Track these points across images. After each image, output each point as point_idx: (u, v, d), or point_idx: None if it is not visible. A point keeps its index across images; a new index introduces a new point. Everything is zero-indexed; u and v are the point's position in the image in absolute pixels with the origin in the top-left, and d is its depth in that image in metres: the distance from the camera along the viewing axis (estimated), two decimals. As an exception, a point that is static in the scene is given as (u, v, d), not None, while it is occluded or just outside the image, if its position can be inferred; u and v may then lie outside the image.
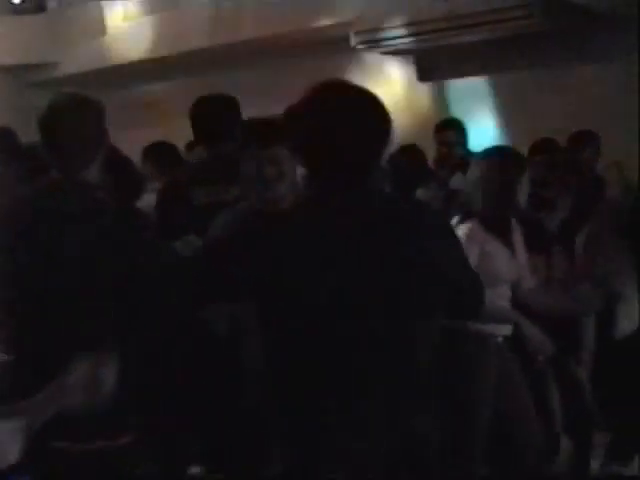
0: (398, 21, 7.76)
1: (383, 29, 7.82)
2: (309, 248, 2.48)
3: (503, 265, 3.97)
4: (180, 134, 5.53)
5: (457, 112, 8.08)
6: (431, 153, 6.43)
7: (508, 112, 8.02)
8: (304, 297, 2.48)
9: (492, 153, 4.19)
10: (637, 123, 6.81)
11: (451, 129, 6.44)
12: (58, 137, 2.96)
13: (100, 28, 10.78)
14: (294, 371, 2.54)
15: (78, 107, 3.00)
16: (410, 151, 5.82)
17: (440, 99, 8.56)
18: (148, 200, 4.50)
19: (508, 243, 4.03)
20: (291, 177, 3.38)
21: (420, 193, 5.17)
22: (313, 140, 2.52)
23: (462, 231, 3.86)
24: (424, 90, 8.65)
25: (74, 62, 10.57)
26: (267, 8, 8.50)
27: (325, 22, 8.14)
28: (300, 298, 2.48)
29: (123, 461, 2.90)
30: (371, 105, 2.55)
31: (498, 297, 3.93)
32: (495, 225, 3.97)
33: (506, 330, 3.98)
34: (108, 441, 2.88)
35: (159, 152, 5.72)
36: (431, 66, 8.52)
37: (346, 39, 8.09)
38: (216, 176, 4.20)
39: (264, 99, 8.83)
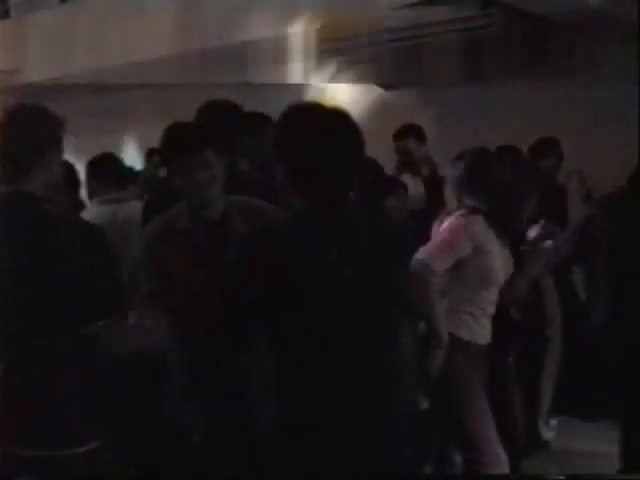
0: (362, 29, 7.80)
1: (347, 37, 7.86)
2: (304, 258, 2.55)
3: (500, 266, 4.04)
4: (145, 141, 5.56)
5: (422, 120, 8.16)
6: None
7: (471, 119, 8.08)
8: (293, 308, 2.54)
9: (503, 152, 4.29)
10: (592, 134, 6.91)
11: (409, 137, 6.45)
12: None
13: (64, 35, 10.73)
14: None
15: (19, 117, 3.00)
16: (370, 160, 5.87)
17: (405, 107, 8.62)
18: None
19: (505, 245, 4.10)
20: (221, 181, 3.40)
21: (389, 201, 5.20)
22: (297, 157, 2.61)
23: (465, 223, 3.97)
24: (389, 98, 8.72)
25: (37, 69, 10.53)
26: (231, 16, 8.51)
27: (289, 30, 8.16)
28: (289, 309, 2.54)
29: (91, 466, 2.92)
30: (346, 121, 2.66)
31: (487, 300, 4.03)
32: (499, 225, 4.04)
33: (484, 340, 4.06)
34: (75, 448, 2.91)
35: (103, 166, 5.63)
36: (395, 74, 8.57)
37: (311, 47, 8.13)
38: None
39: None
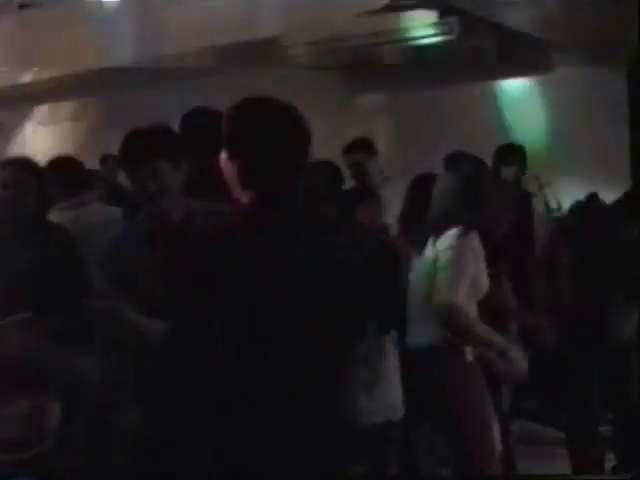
0: (322, 36, 7.82)
1: (307, 44, 7.87)
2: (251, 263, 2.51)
3: (486, 279, 4.06)
4: (104, 147, 5.53)
5: (381, 127, 8.20)
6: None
7: (429, 127, 8.12)
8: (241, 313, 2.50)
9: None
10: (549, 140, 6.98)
11: (359, 151, 6.44)
12: None
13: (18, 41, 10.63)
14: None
15: None
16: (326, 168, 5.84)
17: (364, 114, 8.65)
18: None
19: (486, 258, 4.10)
20: (176, 188, 3.38)
21: (360, 211, 5.20)
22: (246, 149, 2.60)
23: (470, 242, 3.95)
24: (348, 105, 8.73)
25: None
26: (191, 23, 8.49)
27: (250, 37, 8.16)
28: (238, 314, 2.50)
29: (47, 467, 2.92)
30: (294, 117, 2.63)
31: (471, 312, 4.03)
32: (486, 239, 4.04)
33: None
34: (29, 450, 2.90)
35: (63, 168, 5.59)
36: (355, 81, 8.60)
37: (271, 54, 8.13)
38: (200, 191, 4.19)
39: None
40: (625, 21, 6.97)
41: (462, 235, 3.96)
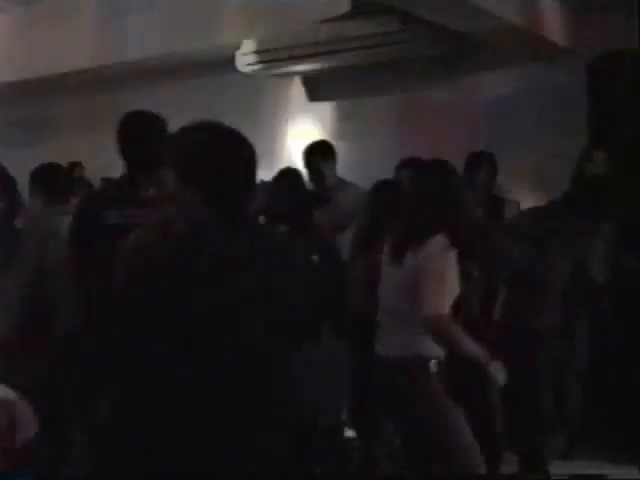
0: (284, 43, 7.84)
1: (269, 51, 7.88)
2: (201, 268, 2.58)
3: (457, 283, 4.06)
4: (69, 152, 5.52)
5: (344, 134, 8.22)
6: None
7: (391, 134, 8.16)
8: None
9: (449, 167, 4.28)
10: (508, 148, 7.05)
11: (319, 155, 6.46)
12: None
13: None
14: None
15: None
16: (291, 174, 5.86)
17: (323, 120, 8.67)
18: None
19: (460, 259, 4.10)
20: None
21: (318, 215, 5.21)
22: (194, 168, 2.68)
23: (451, 252, 3.95)
24: (308, 112, 8.76)
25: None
26: (154, 29, 8.48)
27: (211, 43, 8.16)
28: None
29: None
30: (243, 141, 2.75)
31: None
32: (457, 242, 4.03)
33: (439, 352, 4.06)
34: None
35: (46, 175, 5.60)
36: (317, 88, 8.62)
37: (232, 61, 8.15)
38: (132, 198, 4.19)
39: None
40: (587, 28, 7.09)
41: (444, 245, 3.96)
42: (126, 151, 4.33)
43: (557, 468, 5.21)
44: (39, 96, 10.18)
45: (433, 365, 4.03)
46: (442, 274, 3.93)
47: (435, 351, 4.03)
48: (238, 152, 2.71)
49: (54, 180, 5.55)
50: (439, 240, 3.96)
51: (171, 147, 2.76)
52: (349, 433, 5.47)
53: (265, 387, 2.67)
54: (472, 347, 3.98)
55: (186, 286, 2.55)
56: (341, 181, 6.48)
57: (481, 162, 6.31)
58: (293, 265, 2.78)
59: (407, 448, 4.33)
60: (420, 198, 4.15)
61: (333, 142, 6.76)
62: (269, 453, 2.64)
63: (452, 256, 3.98)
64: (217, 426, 2.56)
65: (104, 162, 5.08)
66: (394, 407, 4.15)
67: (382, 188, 5.42)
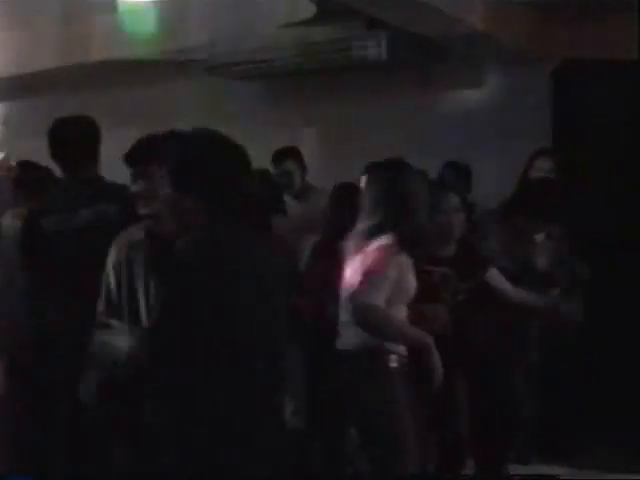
0: (249, 46, 7.81)
1: (234, 54, 7.86)
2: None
3: (412, 281, 4.05)
4: (26, 155, 5.47)
5: (308, 137, 8.21)
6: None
7: (356, 137, 8.15)
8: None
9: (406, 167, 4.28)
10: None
11: (290, 159, 6.46)
12: None
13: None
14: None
15: None
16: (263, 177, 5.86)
17: (288, 125, 8.65)
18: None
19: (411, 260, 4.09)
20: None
21: (276, 219, 5.20)
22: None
23: (389, 249, 3.93)
24: (273, 116, 8.73)
25: None
26: (117, 30, 8.44)
27: (175, 46, 8.13)
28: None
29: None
30: (238, 148, 2.86)
31: (402, 311, 4.05)
32: (407, 242, 4.02)
33: (402, 350, 4.06)
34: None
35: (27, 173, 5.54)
36: (282, 91, 8.60)
37: (196, 63, 8.11)
38: (68, 201, 4.18)
39: (115, 120, 8.77)
40: (553, 35, 7.14)
41: (389, 245, 3.97)
42: (58, 155, 4.33)
43: (513, 470, 5.25)
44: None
45: (393, 360, 4.02)
46: (379, 270, 3.92)
47: (394, 346, 4.04)
48: (237, 160, 2.80)
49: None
50: (385, 240, 3.97)
51: (168, 153, 2.81)
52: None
53: (268, 389, 2.76)
54: (409, 333, 3.98)
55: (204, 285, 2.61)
56: (309, 186, 6.48)
57: (453, 173, 6.33)
58: (285, 269, 2.89)
59: (363, 446, 4.32)
60: (369, 198, 4.15)
61: (297, 145, 6.76)
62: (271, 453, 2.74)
63: (400, 257, 3.97)
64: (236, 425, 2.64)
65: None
66: (348, 401, 4.13)
67: (340, 190, 5.42)
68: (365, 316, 3.88)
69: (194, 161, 2.75)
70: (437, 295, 4.51)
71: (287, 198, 6.15)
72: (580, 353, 6.09)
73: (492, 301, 4.67)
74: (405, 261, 4.00)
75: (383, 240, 3.98)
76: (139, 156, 3.44)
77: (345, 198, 5.15)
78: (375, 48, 7.26)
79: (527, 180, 6.00)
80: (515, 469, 5.31)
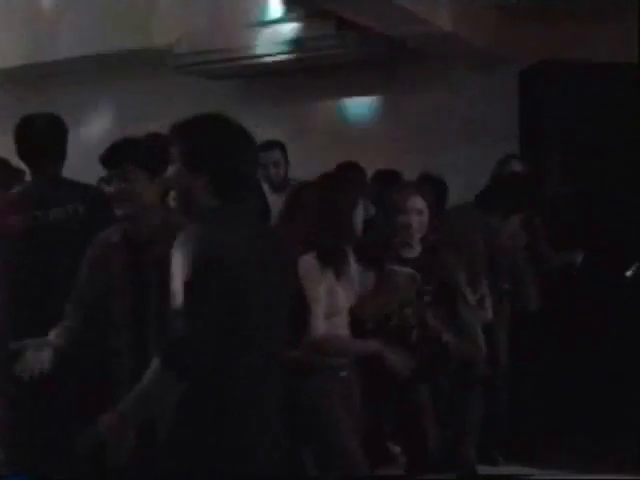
0: (219, 45, 7.79)
1: (204, 52, 7.83)
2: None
3: (342, 297, 4.02)
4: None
5: (278, 136, 8.19)
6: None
7: (326, 137, 8.16)
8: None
9: (325, 177, 4.26)
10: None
11: (276, 149, 6.45)
12: None
13: None
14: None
15: None
16: None
17: (257, 125, 8.63)
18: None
19: (345, 272, 4.05)
20: (146, 199, 3.42)
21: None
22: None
23: (301, 266, 3.86)
24: (242, 115, 8.72)
25: None
26: (87, 27, 8.39)
27: (145, 44, 8.09)
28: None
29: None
30: (245, 130, 2.93)
31: (338, 326, 4.01)
32: (332, 256, 3.97)
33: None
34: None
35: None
36: (251, 90, 8.59)
37: (166, 61, 8.07)
38: (36, 200, 4.15)
39: (82, 118, 8.73)
40: (521, 36, 7.17)
41: (310, 264, 3.93)
42: (23, 153, 4.30)
43: (484, 472, 5.27)
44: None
45: (339, 369, 4.02)
46: (308, 295, 3.88)
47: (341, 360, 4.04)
48: (248, 145, 2.88)
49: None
50: (305, 259, 3.93)
51: (181, 138, 2.85)
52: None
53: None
54: (360, 348, 4.05)
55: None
56: (289, 182, 6.45)
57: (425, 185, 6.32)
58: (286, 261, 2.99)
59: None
60: (295, 214, 4.17)
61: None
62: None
63: (318, 275, 3.91)
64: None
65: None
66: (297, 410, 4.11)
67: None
68: (316, 350, 3.90)
69: (210, 143, 2.81)
70: (402, 296, 4.51)
71: (267, 191, 6.16)
72: (549, 355, 6.14)
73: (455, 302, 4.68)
74: (330, 275, 3.97)
75: (304, 261, 3.93)
76: (116, 157, 3.42)
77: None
78: (344, 48, 7.27)
79: (498, 176, 6.03)
80: (484, 470, 5.31)
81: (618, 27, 6.76)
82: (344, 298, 4.04)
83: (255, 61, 7.74)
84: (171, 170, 2.85)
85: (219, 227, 2.74)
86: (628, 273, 5.71)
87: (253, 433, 2.69)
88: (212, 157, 2.78)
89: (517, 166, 6.17)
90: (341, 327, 4.06)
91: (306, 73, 8.00)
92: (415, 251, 4.67)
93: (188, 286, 2.59)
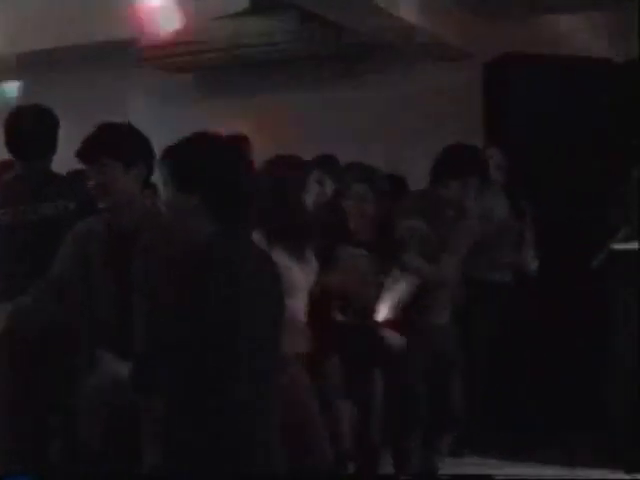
0: (183, 38, 7.76)
1: (168, 45, 7.81)
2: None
3: (300, 277, 4.04)
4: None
5: (240, 130, 8.17)
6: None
7: (289, 132, 8.16)
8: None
9: (272, 162, 4.28)
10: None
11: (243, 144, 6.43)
12: None
13: None
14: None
15: None
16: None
17: (220, 117, 8.62)
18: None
19: (302, 254, 4.09)
20: (124, 191, 3.40)
21: None
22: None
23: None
24: (206, 108, 8.70)
25: None
26: (49, 21, 8.32)
27: (109, 37, 8.04)
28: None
29: None
30: (239, 150, 3.02)
31: (295, 309, 3.98)
32: (280, 233, 3.99)
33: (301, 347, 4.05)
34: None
35: None
36: (215, 84, 8.57)
37: (129, 55, 8.03)
38: (25, 194, 4.11)
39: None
40: (485, 30, 7.21)
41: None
42: (12, 146, 4.25)
43: (448, 466, 5.28)
44: None
45: (294, 359, 4.01)
46: None
47: (297, 347, 4.02)
48: (238, 161, 2.83)
49: None
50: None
51: (171, 155, 2.82)
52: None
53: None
54: None
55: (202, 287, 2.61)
56: None
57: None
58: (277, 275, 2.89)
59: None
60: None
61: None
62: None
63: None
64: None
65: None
66: None
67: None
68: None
69: (198, 162, 2.77)
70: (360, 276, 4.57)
71: None
72: (516, 349, 6.18)
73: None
74: (280, 253, 3.97)
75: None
76: (92, 151, 3.40)
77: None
78: (308, 41, 7.27)
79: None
80: (449, 462, 5.34)
81: (586, 21, 6.82)
82: (302, 278, 4.07)
83: (217, 54, 7.72)
84: (164, 195, 2.81)
85: (214, 251, 2.72)
86: (594, 263, 5.75)
87: (248, 433, 2.68)
88: (202, 176, 2.74)
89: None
90: (298, 310, 4.06)
91: (270, 66, 7.99)
92: (371, 232, 4.74)
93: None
